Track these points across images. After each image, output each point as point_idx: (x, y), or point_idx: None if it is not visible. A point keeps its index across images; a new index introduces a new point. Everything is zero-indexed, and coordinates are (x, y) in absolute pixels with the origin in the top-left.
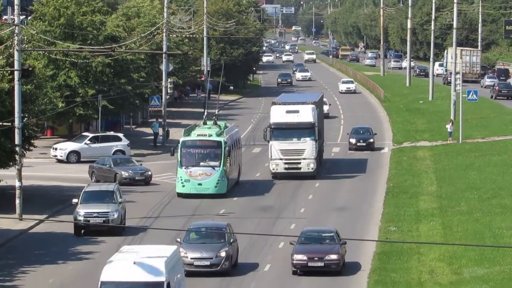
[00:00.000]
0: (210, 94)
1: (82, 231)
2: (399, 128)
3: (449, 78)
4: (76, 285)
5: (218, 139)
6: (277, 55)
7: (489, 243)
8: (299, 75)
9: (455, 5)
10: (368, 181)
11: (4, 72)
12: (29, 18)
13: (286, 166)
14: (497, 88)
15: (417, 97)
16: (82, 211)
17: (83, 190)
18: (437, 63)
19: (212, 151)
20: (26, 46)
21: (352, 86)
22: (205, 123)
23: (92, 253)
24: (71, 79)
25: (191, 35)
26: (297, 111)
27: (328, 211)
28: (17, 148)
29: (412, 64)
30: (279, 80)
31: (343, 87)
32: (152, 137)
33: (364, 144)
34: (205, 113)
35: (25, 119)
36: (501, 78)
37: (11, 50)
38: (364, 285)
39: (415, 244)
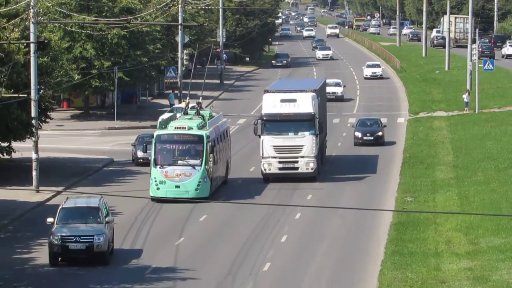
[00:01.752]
0: (225, 66)
1: (59, 258)
2: (415, 98)
3: (435, 41)
4: None
5: (199, 132)
6: (298, 28)
7: (506, 213)
8: (319, 53)
9: None
10: (384, 152)
11: (20, 44)
12: None
13: (281, 165)
14: None
15: (433, 67)
16: (59, 234)
17: (60, 206)
18: (434, 30)
19: (192, 147)
20: (42, 18)
21: (378, 71)
22: (186, 113)
23: None
24: (86, 51)
25: (206, 7)
26: (294, 100)
27: (343, 181)
28: (33, 121)
29: (410, 30)
30: (273, 62)
31: (368, 71)
32: (168, 108)
33: (372, 138)
34: (187, 100)
35: (41, 91)
36: None
37: (26, 23)
38: (381, 256)
39: (432, 214)
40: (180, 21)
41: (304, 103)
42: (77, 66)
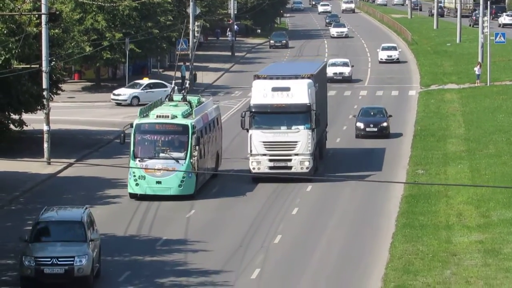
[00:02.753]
0: (236, 38)
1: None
2: (426, 71)
3: (432, 10)
4: (102, 229)
5: (184, 122)
6: (313, 2)
7: None
8: (333, 30)
9: None
10: (395, 124)
11: (32, 16)
12: None
13: (272, 164)
14: None
15: (445, 40)
16: (32, 255)
17: (35, 220)
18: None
19: (175, 138)
20: None
21: (395, 54)
22: (170, 99)
23: (120, 197)
24: (98, 22)
25: None
26: (287, 89)
27: (354, 153)
28: (44, 92)
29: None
30: (271, 41)
31: (383, 54)
32: (180, 80)
33: (376, 129)
34: (173, 85)
35: (53, 63)
36: None
37: None
38: (392, 229)
39: (443, 187)
40: None
41: (299, 92)
42: (88, 38)
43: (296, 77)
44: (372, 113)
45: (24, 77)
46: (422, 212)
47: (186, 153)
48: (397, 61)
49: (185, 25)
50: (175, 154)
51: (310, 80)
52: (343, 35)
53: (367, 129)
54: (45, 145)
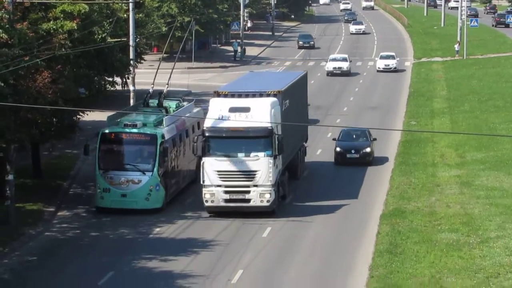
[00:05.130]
0: (275, 21)
1: None
2: (418, 47)
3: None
4: None
5: (152, 131)
6: None
7: (486, 133)
8: (352, 28)
9: None
10: (394, 87)
11: (122, 4)
12: None
13: (227, 196)
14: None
15: (433, 24)
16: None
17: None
18: None
19: (143, 148)
20: None
21: (392, 63)
22: (146, 105)
23: None
24: (171, 9)
25: None
26: (247, 109)
27: (364, 109)
28: (131, 61)
29: None
30: (300, 42)
31: (380, 63)
32: (233, 53)
33: (358, 156)
34: (151, 90)
35: (137, 39)
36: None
37: None
38: (392, 165)
39: (430, 134)
40: None
41: (260, 113)
42: (164, 21)
43: (261, 94)
44: (354, 136)
45: (116, 49)
46: (414, 153)
47: (153, 165)
48: (395, 70)
49: (237, 11)
50: (142, 166)
51: (274, 99)
52: (361, 32)
53: (348, 156)
54: (131, 101)
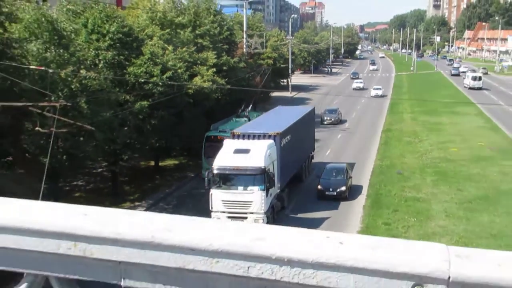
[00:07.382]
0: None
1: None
2: (397, 68)
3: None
4: None
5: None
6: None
7: (428, 99)
8: (373, 92)
9: None
10: (387, 85)
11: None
12: None
13: (229, 221)
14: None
15: (404, 60)
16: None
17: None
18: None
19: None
20: None
21: (379, 92)
22: (237, 116)
23: None
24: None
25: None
26: (246, 151)
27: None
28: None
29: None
30: (351, 77)
31: (373, 93)
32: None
33: (335, 193)
34: (249, 108)
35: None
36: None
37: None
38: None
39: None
40: None
41: (257, 155)
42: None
43: (264, 136)
44: (333, 174)
45: None
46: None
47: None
48: (382, 96)
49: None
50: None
51: (271, 141)
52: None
53: (327, 193)
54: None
